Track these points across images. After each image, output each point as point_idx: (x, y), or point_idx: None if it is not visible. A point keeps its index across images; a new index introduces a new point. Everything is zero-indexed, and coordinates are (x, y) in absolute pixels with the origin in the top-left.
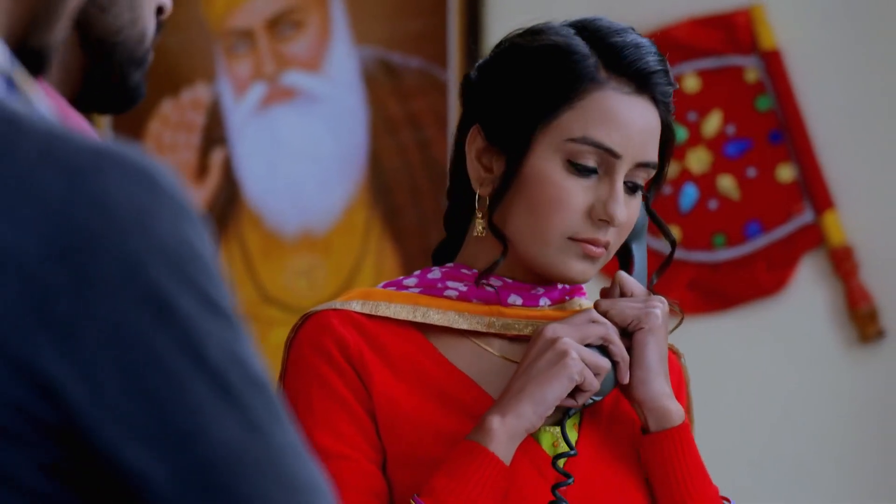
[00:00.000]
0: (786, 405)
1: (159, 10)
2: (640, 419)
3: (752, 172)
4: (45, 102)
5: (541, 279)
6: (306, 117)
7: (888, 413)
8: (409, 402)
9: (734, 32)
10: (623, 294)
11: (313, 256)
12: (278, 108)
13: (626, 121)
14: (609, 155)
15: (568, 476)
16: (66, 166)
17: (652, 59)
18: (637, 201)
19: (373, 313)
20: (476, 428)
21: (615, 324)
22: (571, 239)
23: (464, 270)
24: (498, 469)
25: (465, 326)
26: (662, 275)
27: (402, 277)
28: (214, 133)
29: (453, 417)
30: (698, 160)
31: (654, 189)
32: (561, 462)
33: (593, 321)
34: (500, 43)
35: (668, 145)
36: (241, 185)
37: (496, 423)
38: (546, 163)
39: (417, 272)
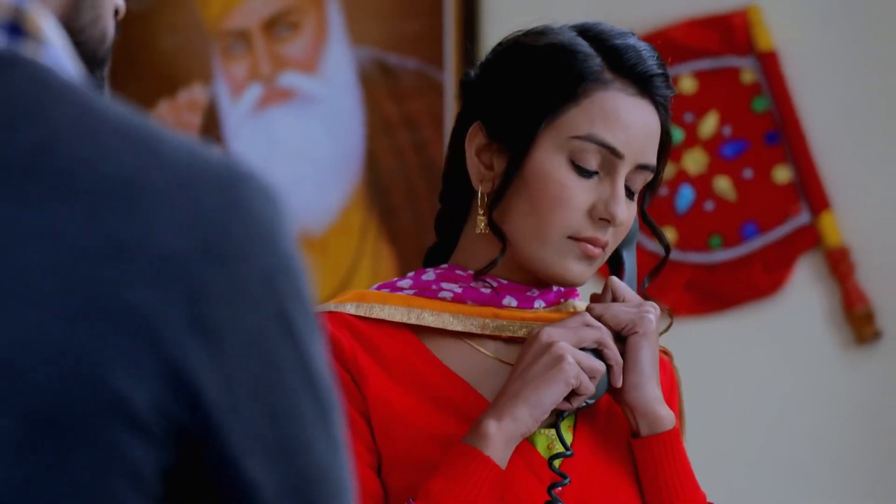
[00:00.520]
0: (782, 406)
1: (116, 12)
2: (630, 423)
3: (748, 173)
4: (63, 47)
5: (537, 281)
6: (303, 118)
7: (884, 414)
8: (404, 405)
9: (731, 33)
10: (615, 299)
11: (310, 257)
12: (275, 110)
13: (630, 122)
14: (612, 154)
15: (564, 476)
16: (216, 178)
17: (654, 63)
18: (634, 206)
19: (367, 315)
20: (472, 431)
21: (609, 327)
22: (571, 238)
23: (458, 272)
24: (494, 473)
25: (459, 328)
26: (654, 279)
27: (395, 279)
28: (211, 134)
29: (448, 420)
30: (695, 161)
31: (649, 193)
32: (557, 462)
33: (588, 325)
34: (502, 42)
35: (664, 149)
36: None
37: (492, 427)
38: (549, 160)
39: (411, 273)
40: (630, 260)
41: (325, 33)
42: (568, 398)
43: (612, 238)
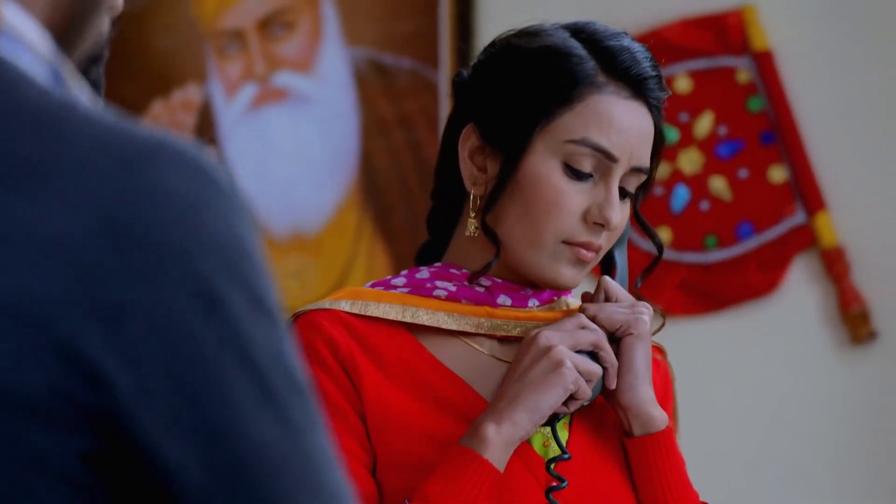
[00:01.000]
0: (778, 407)
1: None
2: (623, 424)
3: (743, 173)
4: (89, 99)
5: (529, 282)
6: (297, 118)
7: (880, 414)
8: (400, 404)
9: (726, 33)
10: (608, 299)
11: (304, 257)
12: (269, 109)
13: (624, 125)
14: (607, 158)
15: (562, 480)
16: (122, 154)
17: (647, 65)
18: (627, 207)
19: (362, 313)
20: (470, 434)
21: (603, 328)
22: (565, 243)
23: (453, 270)
24: (493, 476)
25: (454, 327)
26: (647, 279)
27: (389, 277)
28: (205, 134)
29: (445, 419)
30: (690, 161)
31: (642, 194)
32: (554, 465)
33: (584, 327)
34: (494, 43)
35: (657, 150)
36: None
37: (491, 431)
38: (543, 164)
39: (405, 272)
40: (621, 259)
41: (319, 33)
42: (565, 402)
43: (605, 241)
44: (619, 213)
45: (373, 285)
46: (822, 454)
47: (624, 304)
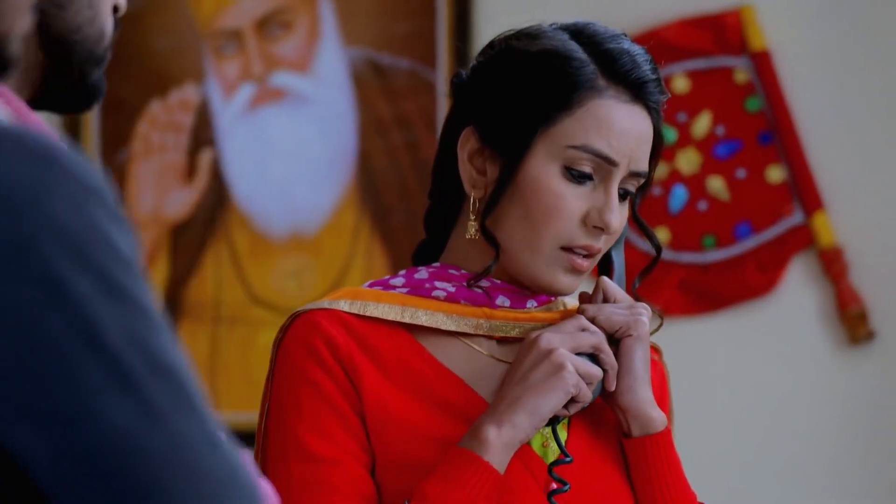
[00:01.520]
0: (776, 406)
1: (115, 9)
2: (622, 424)
3: (741, 173)
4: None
5: (527, 287)
6: (295, 118)
7: (878, 414)
8: (400, 404)
9: (724, 33)
10: (606, 299)
11: (302, 257)
12: (267, 109)
13: (624, 130)
14: (606, 163)
15: (564, 483)
16: None
17: (647, 68)
18: (626, 208)
19: (361, 313)
20: (470, 436)
21: (602, 330)
22: (564, 249)
23: (452, 271)
24: (493, 477)
25: (452, 328)
26: (647, 277)
27: (388, 277)
28: (203, 134)
29: (444, 420)
30: (688, 161)
31: (640, 194)
32: (554, 468)
33: (584, 329)
34: (492, 44)
35: (657, 151)
36: (230, 187)
37: (492, 433)
38: (543, 169)
39: (403, 272)
40: (619, 259)
41: (317, 33)
42: (566, 404)
43: (604, 244)
44: (618, 217)
45: (371, 285)
46: (819, 454)
47: (623, 305)
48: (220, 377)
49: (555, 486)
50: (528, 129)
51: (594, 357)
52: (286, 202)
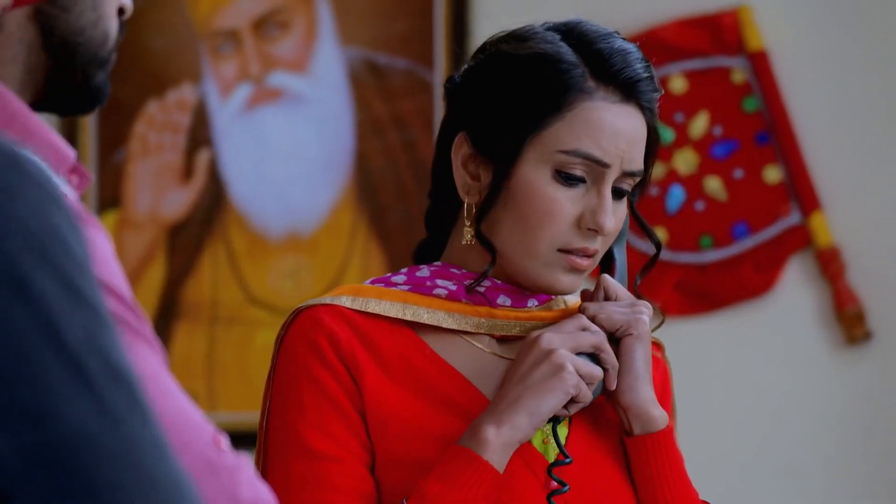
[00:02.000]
0: (773, 406)
1: (121, 11)
2: (624, 423)
3: (738, 174)
4: None
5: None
6: (292, 118)
7: (875, 414)
8: (401, 402)
9: (721, 33)
10: (607, 297)
11: (299, 257)
12: (264, 109)
13: (615, 131)
14: (598, 165)
15: (564, 484)
16: None
17: (639, 67)
18: (623, 207)
19: (363, 310)
20: (469, 435)
21: (603, 329)
22: (560, 251)
23: (453, 270)
24: (492, 477)
25: (454, 326)
26: (645, 277)
27: (389, 274)
28: (200, 134)
29: (446, 417)
30: (685, 161)
31: (638, 192)
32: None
33: (584, 328)
34: (484, 47)
35: (652, 150)
36: (227, 186)
37: (491, 433)
38: (535, 174)
39: (404, 270)
40: (620, 256)
41: (314, 33)
42: (566, 404)
43: (601, 245)
44: (613, 218)
45: (373, 282)
46: (817, 454)
47: (624, 304)
48: (217, 377)
49: (555, 486)
50: (518, 135)
51: (595, 356)
52: (283, 202)
